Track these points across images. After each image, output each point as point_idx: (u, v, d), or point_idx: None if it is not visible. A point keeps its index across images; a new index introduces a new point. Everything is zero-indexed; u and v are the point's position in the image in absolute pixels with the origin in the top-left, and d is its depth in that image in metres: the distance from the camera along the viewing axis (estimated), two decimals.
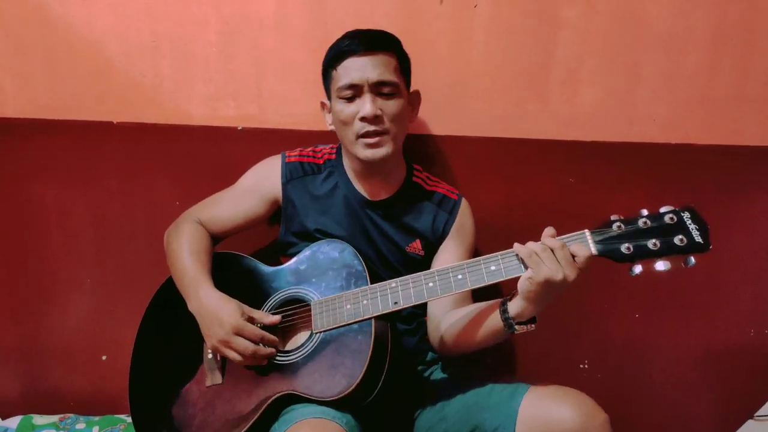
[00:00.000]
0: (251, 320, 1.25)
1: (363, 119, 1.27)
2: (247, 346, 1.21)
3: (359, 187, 1.40)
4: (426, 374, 1.44)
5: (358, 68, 1.26)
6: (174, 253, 1.36)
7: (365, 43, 1.27)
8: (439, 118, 1.59)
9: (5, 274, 1.73)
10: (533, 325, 1.13)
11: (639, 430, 1.73)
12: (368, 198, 1.39)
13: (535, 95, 1.57)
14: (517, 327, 1.12)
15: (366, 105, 1.26)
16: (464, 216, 1.43)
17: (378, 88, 1.27)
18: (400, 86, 1.30)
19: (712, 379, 1.71)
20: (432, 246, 1.41)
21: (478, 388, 1.27)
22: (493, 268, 1.11)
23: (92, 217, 1.68)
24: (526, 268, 1.07)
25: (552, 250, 1.05)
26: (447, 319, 1.32)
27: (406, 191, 1.42)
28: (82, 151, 1.63)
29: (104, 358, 1.75)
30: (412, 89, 1.38)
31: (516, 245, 1.09)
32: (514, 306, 1.11)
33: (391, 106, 1.29)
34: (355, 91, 1.27)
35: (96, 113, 1.61)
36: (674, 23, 1.51)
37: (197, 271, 1.30)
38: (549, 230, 1.10)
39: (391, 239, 1.39)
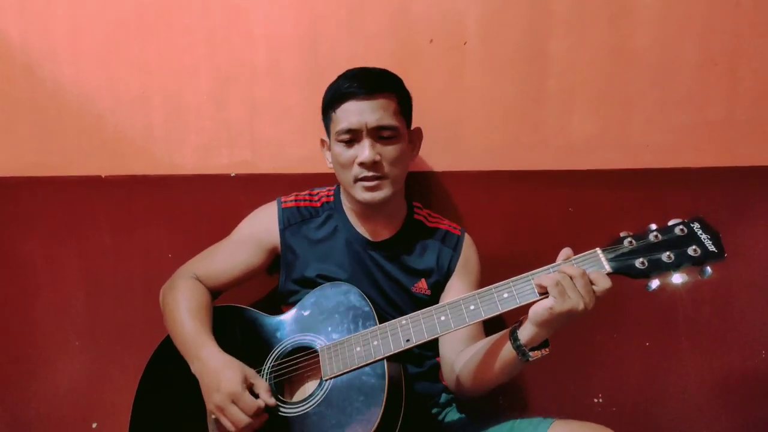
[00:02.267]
0: (251, 387, 1.18)
1: (362, 164, 1.26)
2: (241, 418, 1.14)
3: (360, 229, 1.37)
4: (440, 417, 1.39)
5: (357, 112, 1.25)
6: (172, 314, 1.30)
7: (365, 86, 1.25)
8: (436, 155, 1.59)
9: None
10: (547, 350, 1.09)
11: None
12: (370, 239, 1.37)
13: (530, 127, 1.58)
14: (531, 354, 1.08)
15: (365, 151, 1.24)
16: (468, 251, 1.41)
17: (377, 133, 1.26)
18: (399, 129, 1.28)
19: (729, 404, 1.67)
20: (438, 284, 1.38)
21: (498, 426, 1.23)
22: (506, 295, 1.07)
23: (83, 274, 1.64)
24: (540, 293, 1.05)
25: (572, 278, 1.02)
26: (461, 358, 1.28)
27: (408, 230, 1.39)
28: (70, 207, 1.61)
29: (95, 425, 1.67)
30: (413, 126, 1.37)
31: (537, 277, 1.06)
32: (525, 333, 1.08)
33: (390, 151, 1.27)
34: (353, 135, 1.26)
35: (85, 168, 1.59)
36: (662, 52, 1.54)
37: (198, 331, 1.25)
38: (565, 252, 1.07)
39: (395, 280, 1.36)
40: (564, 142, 1.59)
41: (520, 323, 1.10)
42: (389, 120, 1.26)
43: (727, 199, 1.60)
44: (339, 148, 1.28)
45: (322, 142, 1.38)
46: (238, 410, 1.14)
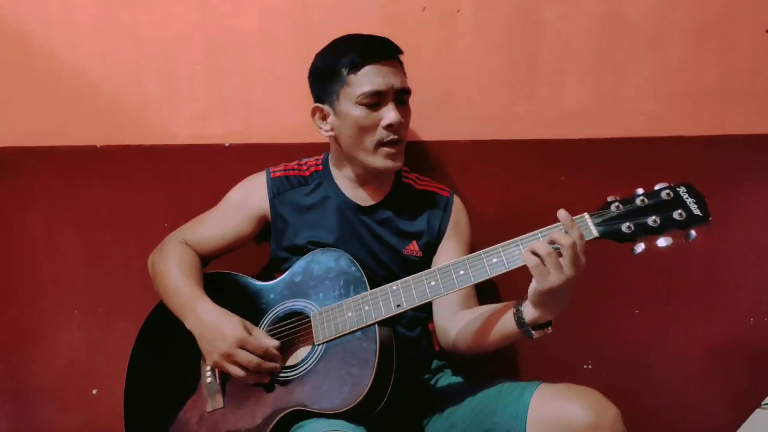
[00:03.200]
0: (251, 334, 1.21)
1: (389, 127, 1.26)
2: (252, 359, 1.17)
3: (350, 194, 1.39)
4: (432, 382, 1.42)
5: (383, 75, 1.25)
6: (162, 275, 1.32)
7: (386, 50, 1.28)
8: (428, 124, 1.59)
9: None
10: (550, 329, 1.11)
11: (647, 427, 1.71)
12: (360, 204, 1.38)
13: (523, 96, 1.58)
14: (534, 332, 1.10)
15: (392, 112, 1.25)
16: (458, 212, 1.43)
17: (399, 96, 1.28)
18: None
19: (717, 370, 1.70)
20: (429, 246, 1.39)
21: (487, 390, 1.25)
22: (495, 260, 1.08)
23: (81, 244, 1.64)
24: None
25: (561, 248, 1.02)
26: (456, 323, 1.30)
27: (397, 193, 1.41)
28: (67, 177, 1.61)
29: (95, 392, 1.70)
30: None
31: (524, 252, 1.05)
32: (529, 312, 1.09)
33: (407, 113, 1.31)
34: (378, 98, 1.26)
35: (80, 138, 1.59)
36: (656, 20, 1.53)
37: (191, 288, 1.27)
38: (561, 214, 1.05)
39: (386, 243, 1.37)
40: (557, 111, 1.58)
41: (525, 300, 1.11)
42: (407, 84, 1.30)
43: (720, 168, 1.60)
44: (360, 112, 1.26)
45: (316, 110, 1.35)
46: (246, 353, 1.17)
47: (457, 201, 1.44)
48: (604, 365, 1.72)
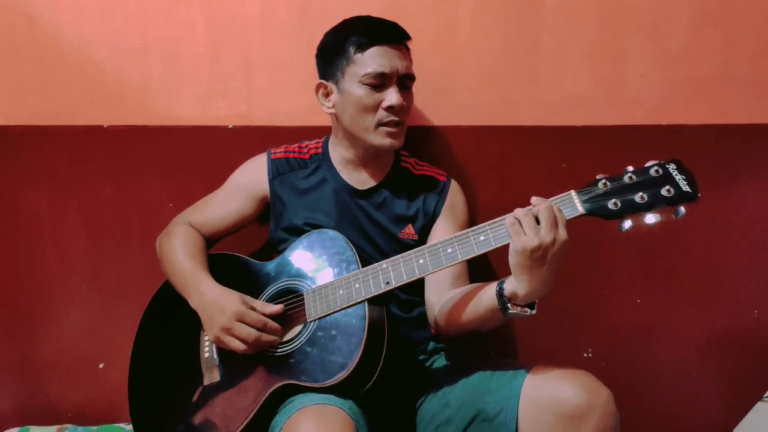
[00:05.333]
0: (252, 309, 1.24)
1: (390, 108, 1.28)
2: (250, 332, 1.20)
3: (348, 177, 1.40)
4: (427, 364, 1.43)
5: (389, 57, 1.28)
6: (168, 256, 1.36)
7: (395, 33, 1.31)
8: (427, 109, 1.59)
9: None
10: (529, 310, 1.10)
11: (648, 417, 1.71)
12: (357, 187, 1.40)
13: (523, 82, 1.58)
14: (510, 307, 1.10)
15: (394, 95, 1.28)
16: (454, 195, 1.44)
17: (403, 81, 1.30)
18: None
19: (719, 362, 1.69)
20: (425, 229, 1.41)
21: (481, 372, 1.26)
22: (482, 238, 1.09)
23: (85, 222, 1.67)
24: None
25: (536, 215, 1.04)
26: (441, 300, 1.32)
27: (395, 176, 1.42)
28: (73, 156, 1.63)
29: (102, 365, 1.73)
30: None
31: (507, 217, 1.08)
32: (510, 284, 1.10)
33: (409, 97, 1.34)
34: (382, 80, 1.28)
35: (86, 118, 1.61)
36: (657, 6, 1.52)
37: (195, 269, 1.30)
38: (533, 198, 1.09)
39: (382, 227, 1.39)
40: (557, 97, 1.58)
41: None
42: (412, 69, 1.33)
43: (721, 157, 1.59)
44: (363, 91, 1.28)
45: (320, 86, 1.36)
46: (245, 326, 1.20)
47: (454, 185, 1.45)
48: (604, 354, 1.71)
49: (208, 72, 1.59)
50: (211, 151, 1.62)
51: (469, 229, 1.11)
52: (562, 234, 1.03)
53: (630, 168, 1.05)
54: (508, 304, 1.10)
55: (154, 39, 1.57)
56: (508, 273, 1.11)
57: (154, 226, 1.49)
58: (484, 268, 1.59)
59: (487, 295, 1.15)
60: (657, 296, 1.68)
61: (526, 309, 1.10)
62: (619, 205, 1.02)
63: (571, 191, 1.07)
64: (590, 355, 1.71)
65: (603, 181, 1.05)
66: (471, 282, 1.38)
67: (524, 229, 1.03)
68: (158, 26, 1.56)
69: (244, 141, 1.60)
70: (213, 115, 1.61)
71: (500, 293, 1.11)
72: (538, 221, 1.03)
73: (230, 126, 1.61)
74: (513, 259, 1.06)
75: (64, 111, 1.61)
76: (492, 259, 1.60)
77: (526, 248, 1.02)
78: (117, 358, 1.69)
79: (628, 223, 1.03)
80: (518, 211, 1.06)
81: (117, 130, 1.62)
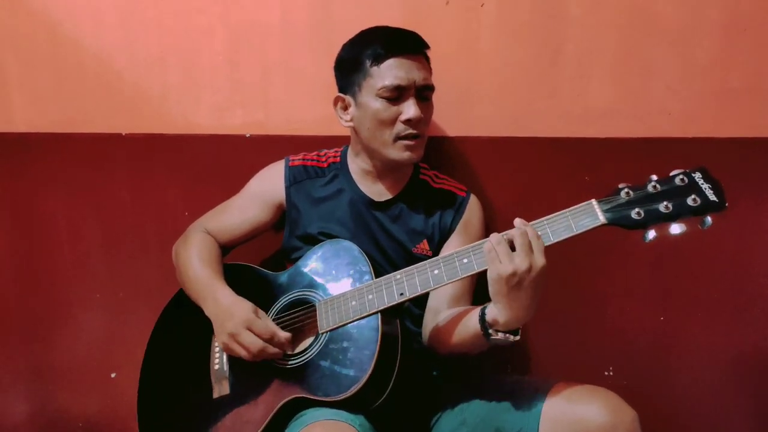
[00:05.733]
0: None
1: (408, 122, 1.25)
2: (256, 342, 1.17)
3: (364, 188, 1.38)
4: (442, 379, 1.39)
5: (406, 69, 1.25)
6: (184, 264, 1.35)
7: (412, 44, 1.28)
8: (448, 119, 1.57)
9: (14, 290, 1.72)
10: (512, 337, 1.06)
11: None
12: (374, 198, 1.37)
13: (546, 93, 1.55)
14: (491, 333, 1.07)
15: (412, 108, 1.25)
16: (472, 212, 1.40)
17: (421, 92, 1.27)
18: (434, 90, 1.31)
19: (747, 382, 1.63)
20: (440, 245, 1.37)
21: (500, 387, 1.23)
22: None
23: (102, 230, 1.67)
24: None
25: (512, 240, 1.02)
26: (436, 319, 1.29)
27: (413, 189, 1.39)
28: (91, 164, 1.64)
29: (114, 375, 1.72)
30: None
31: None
32: (491, 309, 1.07)
33: (429, 110, 1.31)
34: (399, 93, 1.25)
35: (105, 125, 1.62)
36: (684, 15, 1.49)
37: (211, 277, 1.29)
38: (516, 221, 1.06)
39: (397, 241, 1.36)
40: (581, 109, 1.55)
41: None
42: (431, 80, 1.30)
43: (750, 171, 1.54)
44: (380, 105, 1.26)
45: (338, 99, 1.35)
46: (251, 335, 1.17)
47: (473, 201, 1.41)
48: (626, 373, 1.66)
49: (226, 80, 1.59)
50: (229, 160, 1.62)
51: (486, 239, 1.08)
52: (539, 260, 1.00)
53: (654, 177, 1.02)
54: (490, 330, 1.07)
55: (173, 47, 1.58)
56: None
57: (170, 234, 1.48)
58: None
59: (472, 320, 1.12)
60: (681, 312, 1.63)
61: (508, 335, 1.06)
62: (643, 214, 0.98)
63: (592, 200, 1.03)
64: (611, 373, 1.67)
65: (625, 190, 1.01)
66: (475, 303, 1.34)
67: (498, 255, 1.01)
68: (177, 35, 1.57)
69: (262, 150, 1.58)
70: (230, 123, 1.61)
71: (482, 318, 1.09)
72: (514, 247, 1.01)
73: (248, 135, 1.61)
74: (490, 287, 1.04)
75: (82, 119, 1.62)
76: None
77: (501, 276, 1.00)
78: (129, 368, 1.65)
79: (652, 234, 0.99)
80: (493, 237, 1.03)
81: (135, 139, 1.62)
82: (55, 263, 1.69)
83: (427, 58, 1.32)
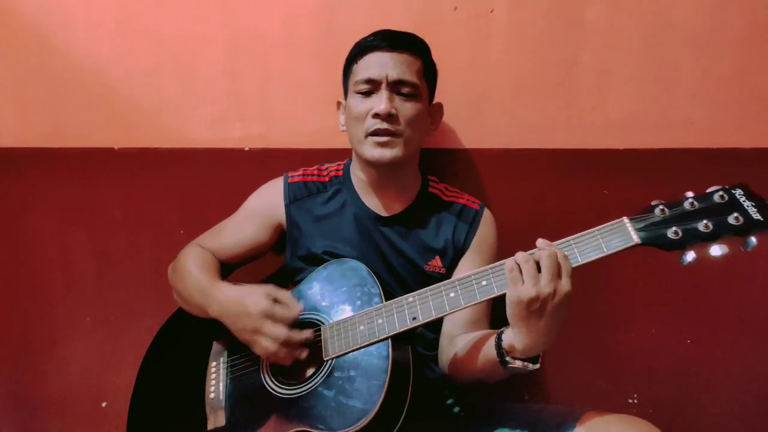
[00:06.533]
0: (276, 299, 1.14)
1: (376, 116, 1.20)
2: (280, 332, 1.10)
3: (370, 203, 1.31)
4: (457, 408, 1.31)
5: (378, 64, 1.22)
6: (181, 275, 1.28)
7: (390, 40, 1.24)
8: (459, 131, 1.53)
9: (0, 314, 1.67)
10: (531, 365, 1.00)
11: None
12: (380, 214, 1.30)
13: (561, 103, 1.50)
14: (509, 360, 1.00)
15: (381, 102, 1.20)
16: (486, 227, 1.33)
17: (397, 87, 1.22)
18: (420, 89, 1.24)
19: None
20: (454, 262, 1.30)
21: (522, 416, 1.15)
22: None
23: (93, 250, 1.63)
24: None
25: (538, 261, 0.94)
26: (452, 344, 1.22)
27: (422, 203, 1.32)
28: (82, 180, 1.60)
29: (104, 404, 1.66)
30: (434, 102, 1.34)
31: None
32: (508, 335, 1.00)
33: (408, 108, 1.23)
34: (372, 87, 1.22)
35: (97, 140, 1.58)
36: (707, 22, 1.45)
37: (208, 279, 1.23)
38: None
39: (407, 258, 1.28)
40: (599, 119, 1.50)
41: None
42: (411, 76, 1.23)
43: None
44: (355, 100, 1.24)
45: (339, 104, 1.34)
46: (274, 324, 1.10)
47: (486, 215, 1.35)
48: (651, 400, 1.60)
49: (225, 91, 1.55)
50: (227, 175, 1.57)
51: (505, 260, 1.00)
52: (565, 285, 0.94)
53: (690, 193, 0.95)
54: (507, 358, 1.01)
55: (169, 57, 1.54)
56: None
57: (165, 254, 1.43)
58: None
59: (489, 345, 1.05)
60: (711, 335, 1.56)
61: (527, 363, 1.00)
62: (681, 234, 0.91)
63: (624, 218, 0.96)
64: (635, 401, 1.60)
65: (660, 207, 0.94)
66: (492, 326, 1.27)
67: (523, 276, 0.94)
68: (173, 44, 1.54)
69: (261, 164, 1.54)
70: (228, 136, 1.57)
71: (498, 344, 1.02)
72: (540, 268, 0.94)
73: (246, 148, 1.56)
74: (508, 309, 0.97)
75: (74, 133, 1.59)
76: None
77: (522, 299, 0.94)
78: (121, 397, 1.59)
79: (690, 255, 0.92)
80: (519, 256, 0.97)
81: (128, 153, 1.58)
82: (43, 285, 1.65)
83: (419, 56, 1.26)
